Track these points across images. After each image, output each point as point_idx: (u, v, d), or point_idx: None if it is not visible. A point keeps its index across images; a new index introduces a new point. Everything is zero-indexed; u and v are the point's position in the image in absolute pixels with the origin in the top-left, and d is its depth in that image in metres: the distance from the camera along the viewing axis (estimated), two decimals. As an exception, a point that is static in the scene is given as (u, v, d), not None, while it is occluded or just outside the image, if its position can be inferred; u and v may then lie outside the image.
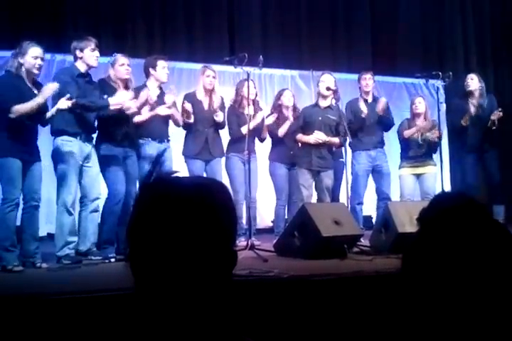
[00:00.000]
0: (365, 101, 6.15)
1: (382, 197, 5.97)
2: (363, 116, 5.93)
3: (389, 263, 3.84)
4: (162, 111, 5.14)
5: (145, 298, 0.95)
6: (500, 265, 0.99)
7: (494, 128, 6.23)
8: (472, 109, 6.30)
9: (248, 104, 5.46)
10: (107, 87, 4.84)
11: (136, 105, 4.84)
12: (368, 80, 6.15)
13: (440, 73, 6.03)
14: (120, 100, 4.66)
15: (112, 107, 4.62)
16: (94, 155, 4.65)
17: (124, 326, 0.96)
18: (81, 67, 4.63)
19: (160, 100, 5.20)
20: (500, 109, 6.23)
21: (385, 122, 6.08)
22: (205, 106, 5.63)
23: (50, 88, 4.25)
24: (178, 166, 5.48)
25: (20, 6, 6.65)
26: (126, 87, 4.94)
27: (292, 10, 8.23)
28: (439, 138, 6.02)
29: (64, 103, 4.31)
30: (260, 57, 5.23)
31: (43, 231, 5.10)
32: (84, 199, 4.60)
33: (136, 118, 5.02)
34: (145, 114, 5.07)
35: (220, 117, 5.56)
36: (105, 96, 4.71)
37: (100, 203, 4.72)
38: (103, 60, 5.07)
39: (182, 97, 5.68)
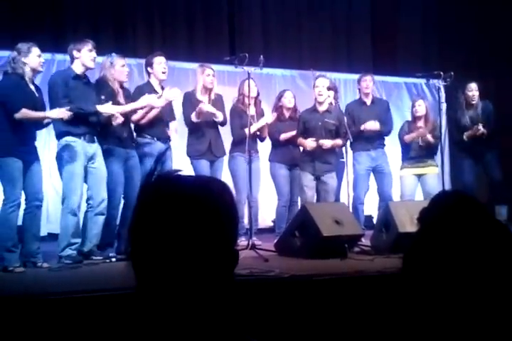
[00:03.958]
0: (364, 103, 6.14)
1: (384, 198, 5.96)
2: (362, 128, 5.93)
3: (390, 262, 3.84)
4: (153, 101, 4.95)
5: (146, 297, 0.95)
6: (501, 264, 0.99)
7: (485, 137, 6.20)
8: (471, 123, 6.23)
9: (249, 104, 5.46)
10: (104, 88, 4.80)
11: (119, 111, 4.74)
12: (369, 82, 6.13)
13: (441, 73, 6.01)
14: (108, 110, 4.62)
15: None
16: (100, 156, 4.64)
17: (125, 326, 0.96)
18: (77, 68, 4.61)
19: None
20: (480, 125, 6.14)
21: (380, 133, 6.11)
22: None
23: (62, 112, 4.27)
24: (180, 166, 5.48)
25: (20, 5, 6.65)
26: (122, 88, 4.94)
27: (293, 10, 8.23)
28: (437, 141, 6.04)
29: (62, 113, 4.32)
30: (261, 57, 5.23)
31: (43, 231, 5.11)
32: (91, 201, 4.58)
33: (134, 117, 4.99)
34: (139, 112, 5.01)
35: (220, 118, 5.57)
36: (103, 97, 4.70)
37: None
38: (98, 60, 5.06)
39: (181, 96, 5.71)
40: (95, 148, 4.62)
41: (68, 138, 4.50)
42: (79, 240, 4.48)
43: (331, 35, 8.48)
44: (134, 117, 4.99)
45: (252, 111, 5.51)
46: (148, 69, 5.24)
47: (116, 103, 4.78)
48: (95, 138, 4.66)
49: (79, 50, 4.58)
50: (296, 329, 3.11)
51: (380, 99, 6.63)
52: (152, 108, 4.98)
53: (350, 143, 5.80)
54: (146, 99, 4.87)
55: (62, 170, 4.51)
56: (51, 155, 4.63)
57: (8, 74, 4.36)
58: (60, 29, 6.92)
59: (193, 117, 5.46)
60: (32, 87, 4.40)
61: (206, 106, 5.44)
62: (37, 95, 4.42)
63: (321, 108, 5.70)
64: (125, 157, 4.85)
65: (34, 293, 3.09)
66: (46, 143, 5.44)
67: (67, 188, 4.48)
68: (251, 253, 4.55)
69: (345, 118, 5.77)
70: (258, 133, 5.86)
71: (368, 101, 6.15)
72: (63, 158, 4.49)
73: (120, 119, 4.70)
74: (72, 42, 4.70)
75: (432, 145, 6.12)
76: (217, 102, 5.64)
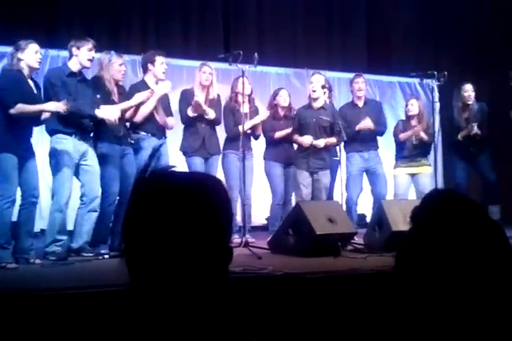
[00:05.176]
0: (356, 105, 6.15)
1: (378, 199, 5.96)
2: (357, 129, 5.94)
3: (383, 261, 3.85)
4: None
5: (140, 293, 0.95)
6: (493, 261, 1.00)
7: (478, 138, 6.19)
8: (466, 124, 6.23)
9: (244, 101, 5.46)
10: (100, 87, 4.78)
11: (116, 117, 4.72)
12: (361, 84, 6.14)
13: (435, 72, 6.02)
14: (106, 115, 4.60)
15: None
16: (93, 153, 4.63)
17: (118, 322, 0.96)
18: (74, 66, 4.60)
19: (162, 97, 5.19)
20: (475, 125, 6.12)
21: (374, 132, 6.12)
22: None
23: (57, 105, 4.25)
24: (175, 162, 5.48)
25: (14, 1, 6.62)
26: (117, 85, 4.91)
27: (288, 8, 8.23)
28: (431, 140, 6.05)
29: (60, 107, 4.31)
30: (255, 55, 5.24)
31: (36, 227, 5.09)
32: (84, 197, 4.58)
33: (127, 115, 4.96)
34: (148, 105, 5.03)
35: (211, 115, 5.56)
36: (98, 96, 4.69)
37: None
38: (96, 56, 5.04)
39: (178, 93, 5.70)
40: (87, 146, 4.61)
41: (59, 136, 4.51)
42: (64, 237, 4.48)
43: (325, 33, 8.48)
44: (128, 114, 4.98)
45: (245, 108, 5.51)
46: (149, 66, 5.21)
47: (111, 102, 4.79)
48: (87, 135, 4.65)
49: (78, 48, 4.58)
50: (290, 327, 3.12)
51: (372, 100, 6.63)
52: (142, 103, 4.99)
53: (344, 143, 5.81)
54: (139, 96, 4.89)
55: (52, 167, 4.53)
56: (44, 151, 4.62)
57: (6, 70, 4.37)
58: (54, 25, 6.89)
59: (190, 112, 5.48)
60: (31, 83, 4.39)
61: (200, 99, 5.48)
62: (35, 91, 4.41)
63: (316, 104, 5.71)
64: (120, 155, 4.84)
65: (26, 289, 3.08)
66: (39, 139, 5.42)
67: (56, 184, 4.49)
68: (244, 250, 4.55)
69: (338, 116, 5.78)
70: (250, 131, 5.83)
71: (360, 103, 6.16)
72: (54, 154, 4.50)
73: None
74: (73, 39, 4.69)
75: (426, 143, 6.14)
76: (216, 102, 5.66)
